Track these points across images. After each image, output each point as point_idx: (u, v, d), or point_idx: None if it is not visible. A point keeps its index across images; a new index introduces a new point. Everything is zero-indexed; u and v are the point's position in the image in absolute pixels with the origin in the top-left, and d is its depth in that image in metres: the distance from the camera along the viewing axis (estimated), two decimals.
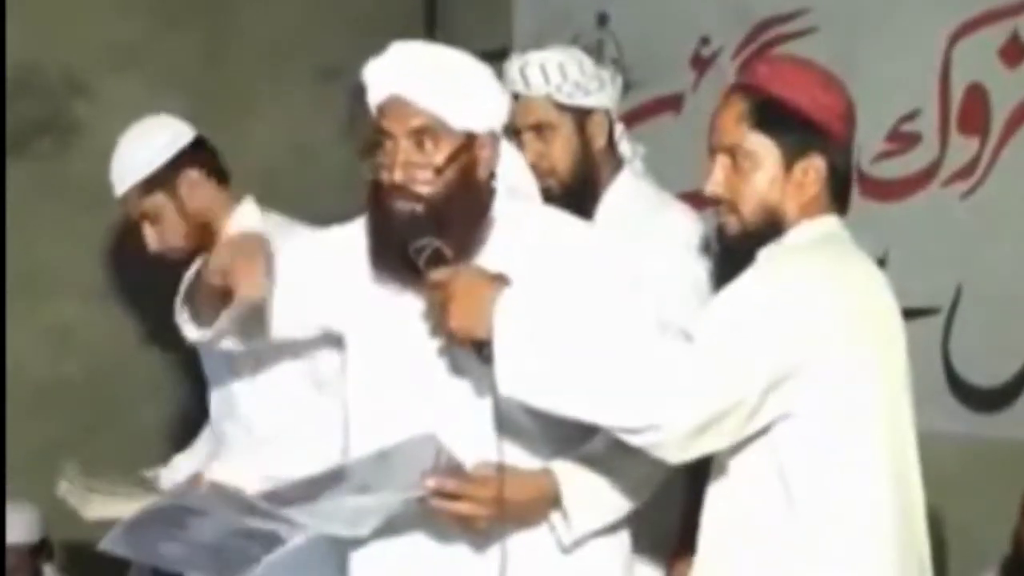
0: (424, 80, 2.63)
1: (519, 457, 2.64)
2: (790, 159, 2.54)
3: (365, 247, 2.70)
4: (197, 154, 3.53)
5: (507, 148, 2.79)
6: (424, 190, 2.60)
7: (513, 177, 2.78)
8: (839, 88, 2.61)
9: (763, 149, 2.54)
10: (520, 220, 2.73)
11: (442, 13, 5.91)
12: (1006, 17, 4.35)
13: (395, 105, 2.63)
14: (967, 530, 4.02)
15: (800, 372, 2.41)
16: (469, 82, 2.67)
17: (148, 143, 3.52)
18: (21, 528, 4.67)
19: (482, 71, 2.71)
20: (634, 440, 2.39)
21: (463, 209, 2.63)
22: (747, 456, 2.50)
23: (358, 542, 2.70)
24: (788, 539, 2.47)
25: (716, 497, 2.58)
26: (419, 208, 2.60)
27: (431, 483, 2.53)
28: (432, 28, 5.85)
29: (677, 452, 2.40)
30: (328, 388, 3.21)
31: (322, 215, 5.22)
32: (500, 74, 3.55)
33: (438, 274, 2.51)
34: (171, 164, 3.50)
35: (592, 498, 2.66)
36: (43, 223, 5.17)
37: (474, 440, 2.59)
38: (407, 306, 2.68)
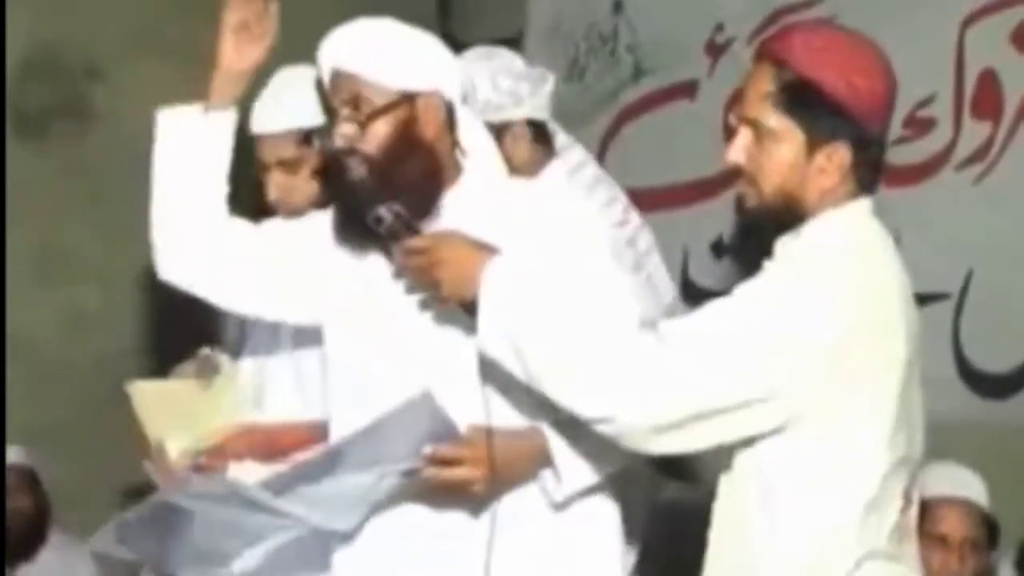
0: (353, 47, 2.68)
1: (505, 412, 2.65)
2: (813, 144, 2.41)
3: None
4: None
5: (470, 121, 2.78)
6: (362, 150, 2.64)
7: (478, 150, 2.77)
8: (881, 69, 2.46)
9: (786, 130, 2.42)
10: (482, 193, 2.73)
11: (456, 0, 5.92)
12: (1018, 2, 4.35)
13: (333, 80, 2.70)
14: None
15: (790, 393, 2.34)
16: (400, 43, 2.70)
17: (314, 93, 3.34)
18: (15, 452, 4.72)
19: (420, 35, 2.73)
20: (594, 428, 2.39)
21: (407, 165, 2.65)
22: (735, 475, 2.47)
23: (347, 532, 2.71)
24: (770, 566, 2.43)
25: (716, 514, 2.55)
26: (363, 169, 2.64)
27: (427, 451, 2.54)
28: (445, 15, 5.85)
29: (638, 444, 2.39)
30: None
31: None
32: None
33: (419, 240, 2.54)
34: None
35: (582, 454, 2.64)
36: (60, 207, 5.20)
37: (460, 398, 2.60)
38: (376, 275, 2.72)
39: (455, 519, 2.70)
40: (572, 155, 3.46)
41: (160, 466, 3.21)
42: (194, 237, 2.84)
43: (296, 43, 5.40)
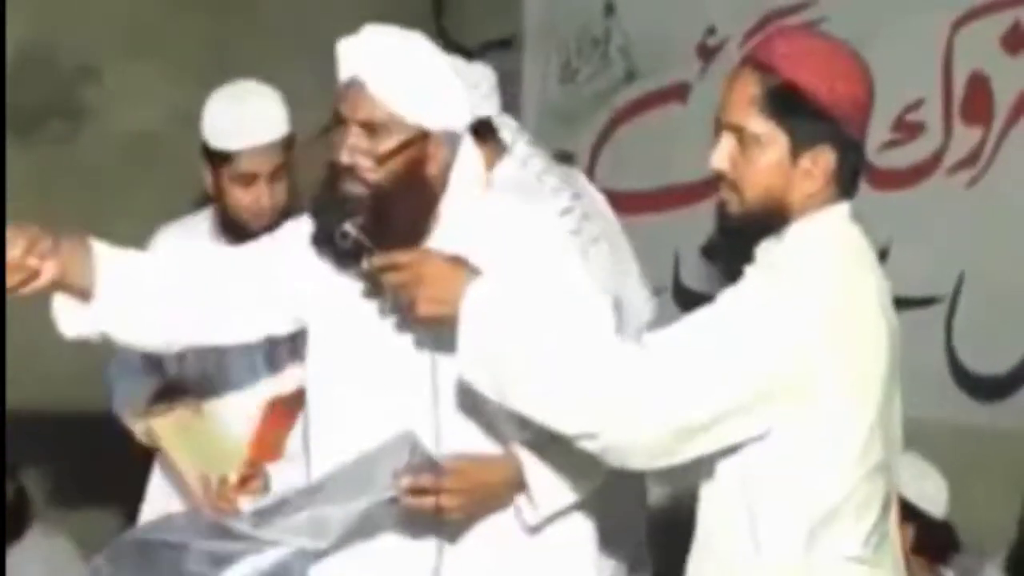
0: (384, 71, 2.63)
1: (465, 436, 2.69)
2: (798, 148, 2.43)
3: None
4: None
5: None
6: (368, 177, 2.63)
7: (467, 169, 2.77)
8: (860, 75, 2.48)
9: (770, 135, 2.43)
10: (468, 211, 2.73)
11: (450, 1, 5.92)
12: (1007, 5, 4.36)
13: (353, 89, 2.65)
14: (970, 519, 4.02)
15: (774, 398, 2.35)
16: (430, 81, 2.67)
17: (281, 106, 3.50)
18: None
19: (447, 71, 2.70)
20: (578, 445, 2.40)
21: (407, 202, 2.66)
22: (718, 481, 2.47)
23: (321, 554, 2.72)
24: (755, 570, 2.43)
25: (701, 519, 2.55)
26: (363, 193, 2.64)
27: (405, 482, 2.57)
28: (440, 15, 5.85)
29: (623, 460, 2.39)
30: None
31: None
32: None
33: (400, 256, 2.54)
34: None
35: (555, 477, 2.67)
36: (52, 207, 5.19)
37: (423, 421, 2.67)
38: (354, 288, 2.73)
39: (402, 543, 2.73)
40: (519, 149, 3.41)
41: (210, 497, 3.31)
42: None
43: (297, 43, 5.40)
